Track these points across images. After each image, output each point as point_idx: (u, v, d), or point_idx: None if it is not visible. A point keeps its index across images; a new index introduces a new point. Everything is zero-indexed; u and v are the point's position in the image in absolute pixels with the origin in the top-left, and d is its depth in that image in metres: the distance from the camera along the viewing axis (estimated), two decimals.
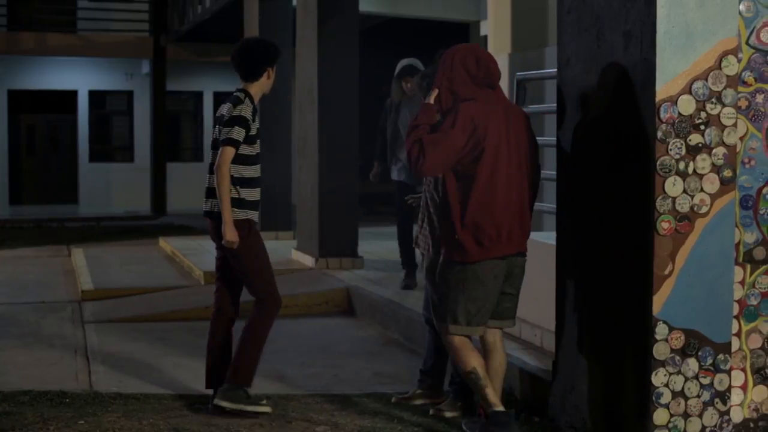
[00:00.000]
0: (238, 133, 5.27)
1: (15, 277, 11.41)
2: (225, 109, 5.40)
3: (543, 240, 6.30)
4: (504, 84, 10.34)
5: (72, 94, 23.83)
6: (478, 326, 4.80)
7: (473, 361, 4.79)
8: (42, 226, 19.03)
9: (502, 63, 10.57)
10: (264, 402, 5.35)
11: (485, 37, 14.09)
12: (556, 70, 5.18)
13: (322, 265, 10.22)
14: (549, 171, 5.63)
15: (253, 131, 5.35)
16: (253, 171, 5.38)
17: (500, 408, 4.79)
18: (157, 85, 22.20)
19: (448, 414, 5.35)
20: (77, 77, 23.67)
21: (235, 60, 5.45)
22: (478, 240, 4.68)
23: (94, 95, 24.04)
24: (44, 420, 5.20)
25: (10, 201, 23.30)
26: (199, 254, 11.61)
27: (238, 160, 5.31)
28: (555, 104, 5.21)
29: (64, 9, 23.79)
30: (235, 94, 5.43)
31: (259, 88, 5.47)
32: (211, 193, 5.41)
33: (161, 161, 22.18)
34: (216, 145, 5.39)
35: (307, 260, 10.60)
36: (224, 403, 5.27)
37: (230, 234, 5.27)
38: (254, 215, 5.41)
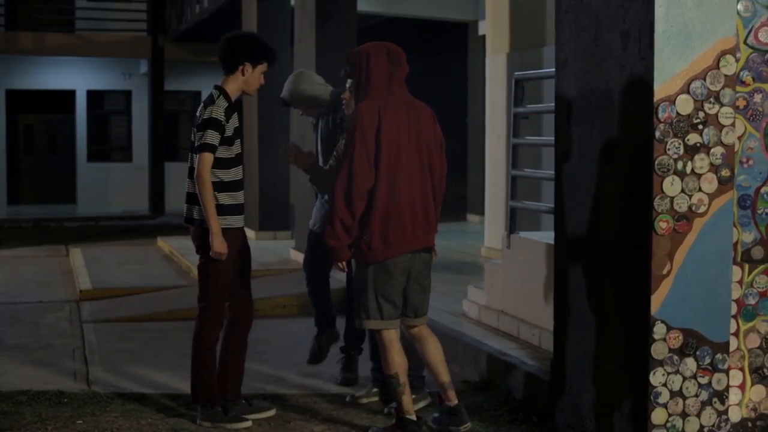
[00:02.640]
0: (212, 137, 5.01)
1: (13, 277, 11.41)
2: (199, 110, 5.14)
3: (541, 240, 6.31)
4: (503, 84, 10.37)
5: (70, 94, 23.83)
6: (390, 320, 4.86)
7: (396, 366, 4.86)
8: (40, 226, 19.02)
9: (501, 63, 10.61)
10: (246, 417, 5.23)
11: (483, 36, 14.09)
12: (554, 69, 5.18)
13: None
14: (548, 171, 5.63)
15: (229, 132, 5.06)
16: (233, 174, 5.11)
17: (412, 417, 4.89)
18: (156, 85, 22.20)
19: (365, 400, 5.52)
20: (75, 77, 23.67)
21: (218, 49, 5.20)
22: (384, 238, 4.75)
23: (92, 95, 24.04)
24: (42, 420, 5.20)
25: (9, 201, 23.31)
26: None
27: (216, 163, 5.04)
28: (553, 104, 5.21)
29: (63, 9, 23.78)
30: (211, 92, 5.17)
31: (236, 84, 5.14)
32: (190, 198, 5.15)
33: (159, 161, 22.18)
34: (194, 148, 5.12)
35: None
36: (206, 423, 5.19)
37: (218, 245, 5.04)
38: (235, 221, 5.15)
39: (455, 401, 4.99)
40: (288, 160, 5.63)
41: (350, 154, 4.71)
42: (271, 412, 5.36)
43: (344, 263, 4.88)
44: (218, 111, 5.05)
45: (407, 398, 4.88)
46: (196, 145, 5.07)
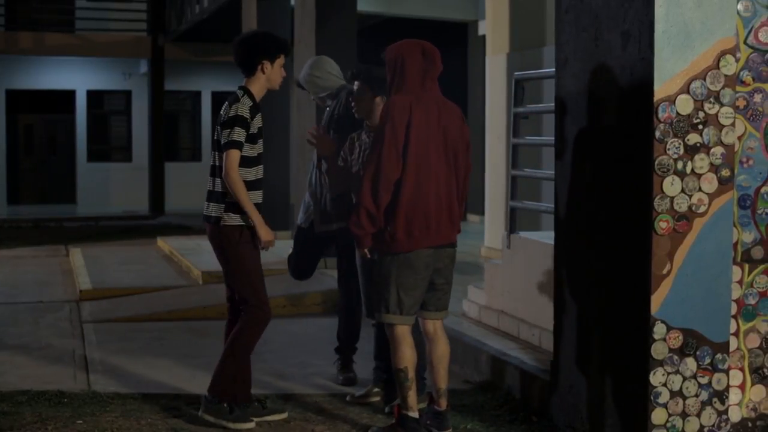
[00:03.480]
0: (239, 134, 5.04)
1: (13, 277, 11.40)
2: (224, 108, 5.18)
3: (541, 239, 6.31)
4: (503, 84, 10.37)
5: (70, 94, 23.84)
6: (409, 315, 4.87)
7: (406, 360, 4.87)
8: (40, 226, 19.01)
9: (501, 63, 10.60)
10: (251, 418, 5.20)
11: (483, 36, 14.10)
12: (554, 69, 5.18)
13: (321, 265, 10.20)
14: (548, 171, 5.64)
15: (254, 130, 5.09)
16: (254, 173, 5.13)
17: (414, 414, 4.89)
18: (156, 85, 22.19)
19: (365, 400, 5.53)
20: (75, 77, 23.67)
21: (233, 54, 5.23)
22: (409, 231, 4.77)
23: (92, 95, 24.04)
24: (42, 420, 5.20)
25: (8, 201, 23.31)
26: (198, 254, 11.60)
27: (239, 161, 5.06)
28: (553, 104, 5.21)
29: (63, 9, 23.79)
30: (235, 92, 5.20)
31: (259, 84, 5.17)
32: (210, 196, 5.18)
33: (159, 161, 22.17)
34: (217, 146, 5.15)
35: None
36: (208, 417, 5.18)
37: (264, 234, 5.09)
38: None
39: (444, 408, 4.99)
40: (313, 142, 5.60)
41: (379, 146, 4.74)
42: (284, 415, 5.34)
43: (367, 251, 4.89)
44: (244, 108, 5.09)
45: (413, 394, 4.88)
46: (222, 142, 5.09)
